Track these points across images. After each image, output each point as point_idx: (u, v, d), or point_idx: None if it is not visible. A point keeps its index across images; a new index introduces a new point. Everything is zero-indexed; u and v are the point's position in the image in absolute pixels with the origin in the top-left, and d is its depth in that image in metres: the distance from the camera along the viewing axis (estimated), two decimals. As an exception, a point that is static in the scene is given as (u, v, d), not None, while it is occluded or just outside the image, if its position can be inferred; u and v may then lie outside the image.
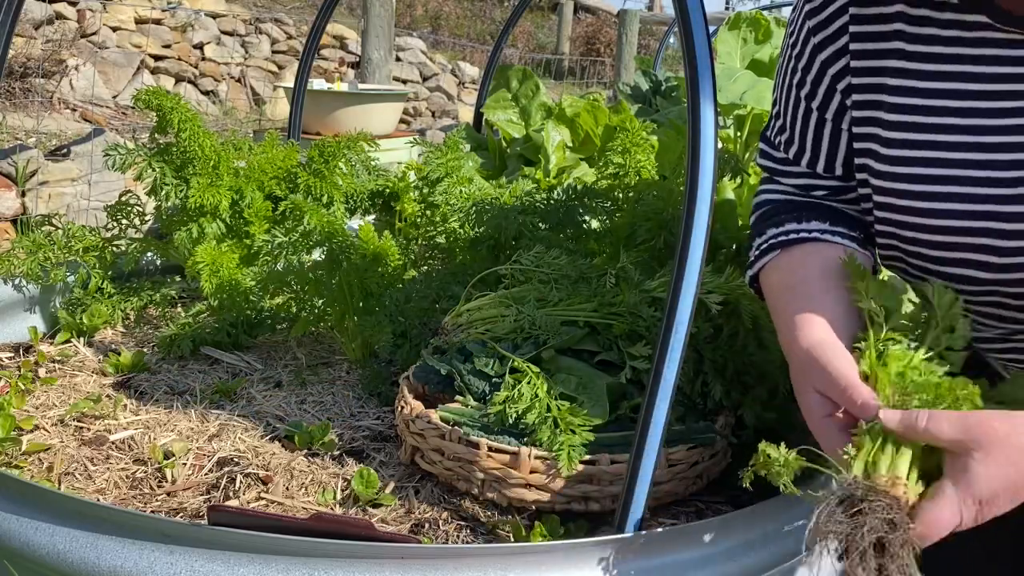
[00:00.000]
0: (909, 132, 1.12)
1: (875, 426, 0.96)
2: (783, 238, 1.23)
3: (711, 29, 1.21)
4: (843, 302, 1.10)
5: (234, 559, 0.99)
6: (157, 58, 8.04)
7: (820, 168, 1.26)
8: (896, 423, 0.95)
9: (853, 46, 1.17)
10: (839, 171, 1.25)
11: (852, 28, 1.17)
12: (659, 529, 1.06)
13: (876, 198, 1.17)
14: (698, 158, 1.04)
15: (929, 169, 1.10)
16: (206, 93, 8.35)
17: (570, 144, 2.84)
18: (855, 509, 0.90)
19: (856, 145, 1.19)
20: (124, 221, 2.04)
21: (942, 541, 0.94)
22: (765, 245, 1.25)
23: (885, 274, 1.26)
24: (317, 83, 5.20)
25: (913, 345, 1.05)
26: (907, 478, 0.93)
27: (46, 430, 1.47)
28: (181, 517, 1.24)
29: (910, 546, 0.89)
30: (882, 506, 0.89)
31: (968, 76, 1.09)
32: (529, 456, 1.24)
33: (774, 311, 1.20)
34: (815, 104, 1.23)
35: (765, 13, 2.87)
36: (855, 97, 1.18)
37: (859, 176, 1.20)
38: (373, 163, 2.22)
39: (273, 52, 9.24)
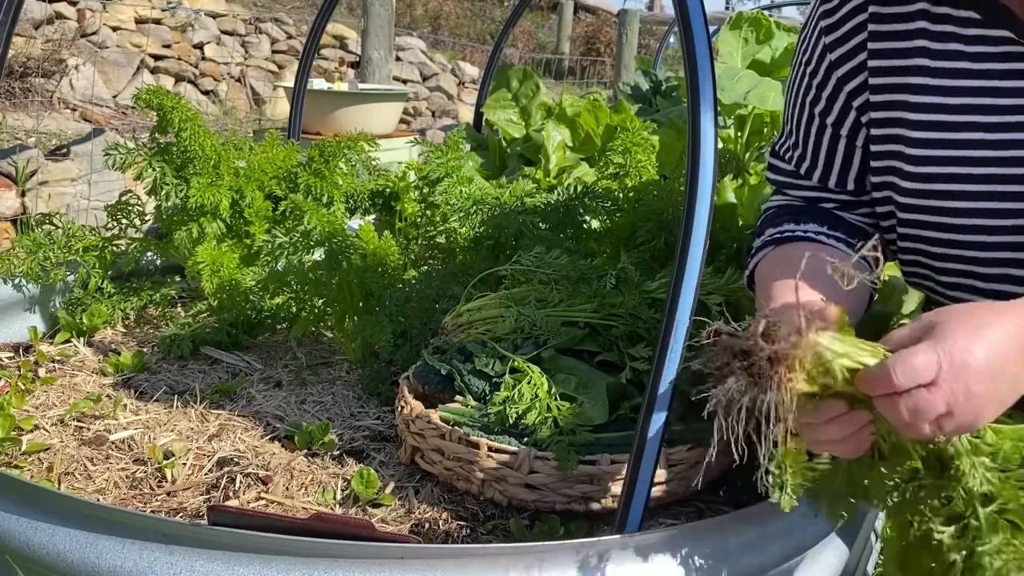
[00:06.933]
0: (935, 149, 1.12)
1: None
2: (778, 236, 1.23)
3: (711, 29, 1.21)
4: (828, 294, 1.08)
5: (234, 559, 0.99)
6: (157, 58, 8.03)
7: (832, 183, 1.26)
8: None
9: (872, 63, 1.16)
10: (851, 186, 1.24)
11: (871, 45, 1.16)
12: (659, 529, 1.06)
13: (901, 215, 1.16)
14: (698, 158, 1.04)
15: (958, 185, 1.10)
16: (206, 93, 8.34)
17: (570, 144, 2.84)
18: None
19: (876, 163, 1.19)
20: (124, 221, 2.04)
21: None
22: (760, 243, 1.26)
23: (886, 273, 1.25)
24: (317, 83, 5.19)
25: None
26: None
27: (46, 430, 1.47)
28: (181, 517, 1.24)
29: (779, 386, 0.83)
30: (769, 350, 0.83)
31: (995, 91, 1.08)
32: (529, 456, 1.24)
33: (757, 298, 1.18)
34: (830, 120, 1.22)
35: (766, 13, 2.87)
36: (873, 115, 1.17)
37: (882, 194, 1.19)
38: (373, 163, 2.22)
39: (273, 52, 9.23)
